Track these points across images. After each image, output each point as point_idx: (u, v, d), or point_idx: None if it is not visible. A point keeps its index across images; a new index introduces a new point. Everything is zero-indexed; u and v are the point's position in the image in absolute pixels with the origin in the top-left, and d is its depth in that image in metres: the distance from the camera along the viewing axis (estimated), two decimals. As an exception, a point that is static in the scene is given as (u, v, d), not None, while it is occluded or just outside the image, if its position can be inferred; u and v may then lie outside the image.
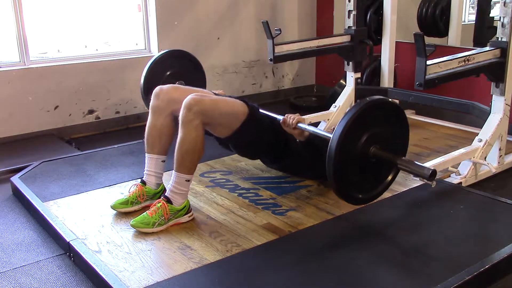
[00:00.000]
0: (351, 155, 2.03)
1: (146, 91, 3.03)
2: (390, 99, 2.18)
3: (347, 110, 2.05)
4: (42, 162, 3.17)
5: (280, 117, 2.49)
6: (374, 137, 2.06)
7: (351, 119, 1.98)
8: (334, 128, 2.89)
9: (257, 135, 2.54)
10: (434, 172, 1.98)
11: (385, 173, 2.17)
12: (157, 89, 2.57)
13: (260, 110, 2.62)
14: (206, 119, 2.31)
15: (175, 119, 2.51)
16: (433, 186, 2.64)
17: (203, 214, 2.47)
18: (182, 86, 2.59)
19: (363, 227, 2.32)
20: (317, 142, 2.46)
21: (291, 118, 2.42)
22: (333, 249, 2.14)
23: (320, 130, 2.33)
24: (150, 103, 2.56)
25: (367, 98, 2.08)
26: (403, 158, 2.09)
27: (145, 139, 2.55)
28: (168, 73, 3.17)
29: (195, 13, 4.58)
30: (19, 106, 3.87)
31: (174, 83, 3.01)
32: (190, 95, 2.34)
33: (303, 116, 3.72)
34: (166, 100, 2.52)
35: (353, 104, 3.97)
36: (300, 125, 2.40)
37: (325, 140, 2.09)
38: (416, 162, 2.06)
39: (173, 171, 2.33)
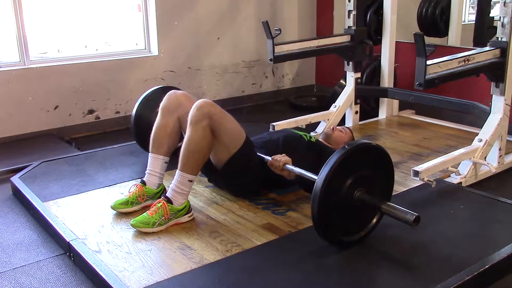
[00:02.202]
0: (335, 199, 2.03)
1: (137, 133, 3.02)
2: (375, 144, 2.19)
3: (333, 154, 2.04)
4: (42, 162, 3.17)
5: (267, 158, 2.46)
6: (359, 181, 2.06)
7: (336, 163, 1.98)
8: (332, 128, 2.90)
9: (252, 165, 2.49)
10: (417, 218, 1.98)
11: (370, 217, 2.17)
12: (170, 92, 2.61)
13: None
14: (212, 124, 2.31)
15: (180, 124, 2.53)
16: (433, 186, 2.64)
17: (203, 214, 2.47)
18: (192, 97, 2.61)
19: (363, 227, 2.32)
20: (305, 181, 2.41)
21: (278, 160, 2.40)
22: (333, 249, 2.14)
23: (306, 172, 2.31)
24: (161, 104, 2.58)
25: (354, 142, 2.08)
26: (388, 203, 2.09)
27: (151, 139, 2.55)
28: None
29: (195, 13, 4.59)
30: (19, 106, 3.87)
31: None
32: (202, 99, 2.36)
33: (303, 117, 3.76)
34: (175, 103, 2.55)
35: (353, 104, 3.98)
36: (288, 166, 2.39)
37: (311, 182, 2.08)
38: (400, 208, 2.06)
39: (177, 170, 2.33)
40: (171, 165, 2.51)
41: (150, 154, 2.55)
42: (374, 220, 2.18)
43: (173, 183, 2.34)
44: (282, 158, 2.41)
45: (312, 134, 2.96)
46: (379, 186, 2.15)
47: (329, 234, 2.08)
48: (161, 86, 3.20)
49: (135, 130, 3.05)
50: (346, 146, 2.05)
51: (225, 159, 2.43)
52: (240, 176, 2.53)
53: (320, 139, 2.86)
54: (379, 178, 2.15)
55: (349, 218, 2.10)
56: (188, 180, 2.33)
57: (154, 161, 2.53)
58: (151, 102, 2.92)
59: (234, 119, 2.45)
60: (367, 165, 2.10)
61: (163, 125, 2.54)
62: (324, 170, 1.99)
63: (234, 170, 2.49)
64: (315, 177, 2.08)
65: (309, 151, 2.62)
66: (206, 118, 2.29)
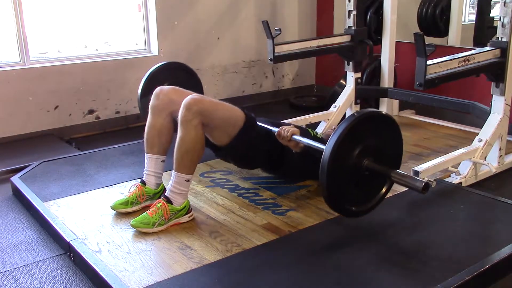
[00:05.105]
0: (344, 168, 2.03)
1: (143, 105, 2.97)
2: (383, 112, 2.18)
3: (340, 123, 2.04)
4: (42, 162, 3.16)
5: (275, 129, 2.48)
6: (367, 149, 2.06)
7: (344, 131, 1.98)
8: (334, 128, 2.92)
9: (255, 143, 2.52)
10: (427, 185, 1.98)
11: (379, 186, 2.17)
12: (157, 89, 2.58)
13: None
14: (204, 119, 2.31)
15: (174, 120, 2.52)
16: (433, 186, 2.64)
17: (203, 214, 2.47)
18: (181, 88, 2.59)
19: (363, 227, 2.32)
20: (312, 152, 2.45)
21: (286, 130, 2.41)
22: (333, 249, 2.14)
23: (314, 142, 2.32)
24: (150, 103, 2.57)
25: (361, 111, 2.10)
26: (397, 170, 2.09)
27: (144, 139, 2.56)
28: (165, 85, 3.12)
29: (195, 13, 4.58)
30: (19, 106, 3.87)
31: None
32: (190, 95, 2.35)
33: (303, 117, 3.76)
34: (165, 101, 2.52)
35: (353, 104, 3.98)
36: (295, 137, 2.39)
37: (319, 152, 2.08)
38: (410, 175, 2.06)
39: (173, 171, 2.33)
40: (171, 165, 2.51)
41: (145, 155, 2.55)
42: (384, 189, 2.17)
43: (170, 183, 2.34)
44: (289, 128, 2.42)
45: (316, 131, 2.97)
46: (387, 155, 2.14)
47: (338, 203, 2.07)
48: (165, 62, 3.20)
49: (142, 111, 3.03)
50: (354, 114, 2.05)
51: (227, 142, 2.44)
52: (243, 153, 2.55)
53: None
54: (388, 146, 2.14)
55: (358, 187, 2.09)
56: (185, 180, 2.33)
57: (150, 161, 2.53)
58: (157, 78, 2.96)
59: (228, 104, 2.45)
60: (375, 134, 2.09)
61: (154, 125, 2.53)
62: (332, 139, 1.98)
63: (237, 149, 2.50)
64: (323, 146, 2.06)
65: None
66: (196, 117, 2.28)
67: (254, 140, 2.51)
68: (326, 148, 1.99)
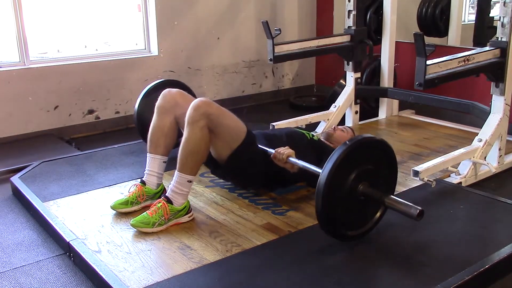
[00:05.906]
0: (339, 193, 2.03)
1: (140, 126, 2.98)
2: (378, 138, 2.19)
3: (336, 149, 2.05)
4: (42, 162, 3.17)
5: (271, 151, 2.47)
6: (362, 174, 2.07)
7: (340, 157, 1.99)
8: (334, 128, 2.92)
9: (254, 159, 2.50)
10: (421, 212, 1.98)
11: (374, 211, 2.18)
12: (165, 90, 2.60)
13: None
14: (210, 123, 2.30)
15: (177, 124, 2.53)
16: (433, 186, 2.64)
17: (203, 214, 2.47)
18: (188, 94, 2.61)
19: (363, 227, 2.32)
20: (309, 176, 2.42)
21: (281, 153, 2.40)
22: (333, 249, 2.14)
23: (310, 165, 2.32)
24: (157, 103, 2.58)
25: (357, 136, 2.11)
26: (391, 196, 2.10)
27: (148, 139, 2.56)
28: None
29: (195, 13, 4.59)
30: (19, 106, 3.87)
31: None
32: (199, 98, 2.36)
33: (303, 117, 3.76)
34: (171, 102, 2.54)
35: (352, 104, 3.98)
36: (291, 159, 2.39)
37: (315, 176, 2.09)
38: (404, 201, 2.06)
39: (176, 171, 2.33)
40: (171, 165, 2.51)
41: (148, 154, 2.55)
42: (378, 214, 2.18)
43: (172, 183, 2.34)
44: (285, 150, 2.41)
45: (313, 133, 2.96)
46: (382, 180, 2.15)
47: (333, 228, 2.07)
48: (162, 80, 3.20)
49: (139, 126, 3.03)
50: (350, 140, 2.06)
51: (227, 155, 2.43)
52: (243, 170, 2.53)
53: (321, 139, 2.86)
54: (383, 171, 2.15)
55: (353, 212, 2.10)
56: (187, 181, 2.33)
57: (152, 161, 2.53)
58: (153, 96, 2.93)
59: (233, 115, 2.44)
60: (370, 159, 2.10)
61: (159, 125, 2.54)
62: (328, 165, 1.99)
63: (236, 165, 2.49)
64: (319, 170, 2.07)
65: (311, 149, 2.62)
66: (203, 118, 2.28)
67: (253, 156, 2.49)
68: (322, 173, 2.00)
